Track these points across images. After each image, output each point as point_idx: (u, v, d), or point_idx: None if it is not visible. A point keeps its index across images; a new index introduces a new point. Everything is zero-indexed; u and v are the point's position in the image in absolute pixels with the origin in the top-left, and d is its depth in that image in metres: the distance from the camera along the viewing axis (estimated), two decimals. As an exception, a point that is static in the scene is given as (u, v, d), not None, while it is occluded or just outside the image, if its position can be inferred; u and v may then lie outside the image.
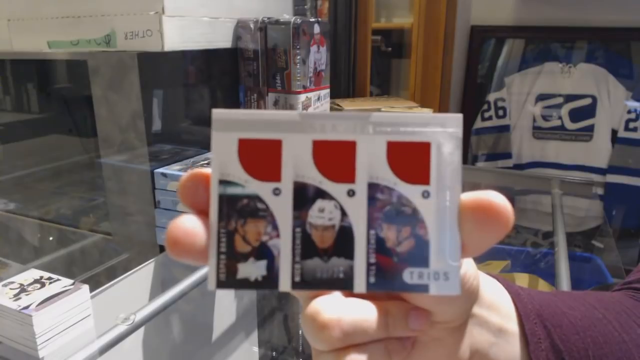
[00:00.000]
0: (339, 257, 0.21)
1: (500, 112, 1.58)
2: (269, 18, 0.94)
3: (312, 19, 0.98)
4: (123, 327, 0.61)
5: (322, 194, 0.21)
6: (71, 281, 0.62)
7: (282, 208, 0.21)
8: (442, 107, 1.50)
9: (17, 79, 1.09)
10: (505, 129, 1.58)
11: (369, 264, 0.21)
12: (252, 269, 0.21)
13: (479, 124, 1.60)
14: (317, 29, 0.98)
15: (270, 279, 0.21)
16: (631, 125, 1.45)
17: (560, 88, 1.52)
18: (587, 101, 1.50)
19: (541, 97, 1.55)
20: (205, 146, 0.91)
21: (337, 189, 0.21)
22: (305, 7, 1.24)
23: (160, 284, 0.81)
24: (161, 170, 0.80)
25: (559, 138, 1.55)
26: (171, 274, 0.82)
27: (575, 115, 1.52)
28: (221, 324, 0.97)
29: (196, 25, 0.85)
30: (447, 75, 1.49)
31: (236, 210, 0.21)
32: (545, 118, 1.55)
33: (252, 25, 0.95)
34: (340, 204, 0.21)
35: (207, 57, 0.91)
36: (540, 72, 1.53)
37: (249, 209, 0.21)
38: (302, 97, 0.97)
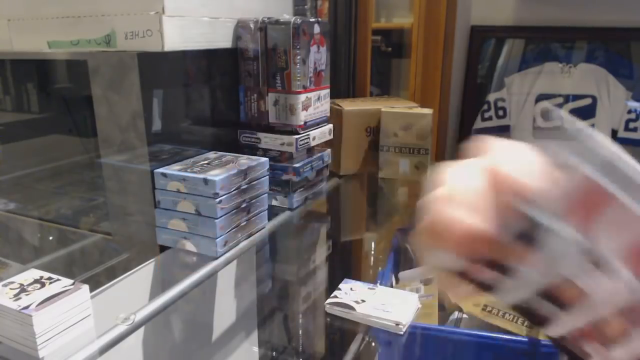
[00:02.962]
0: None
1: (500, 112, 1.57)
2: (269, 18, 0.94)
3: (312, 19, 0.98)
4: (123, 327, 0.61)
5: None
6: (71, 281, 0.62)
7: None
8: (442, 107, 1.50)
9: (17, 79, 1.09)
10: (505, 129, 1.58)
11: None
12: None
13: (479, 124, 1.60)
14: (317, 29, 0.98)
15: None
16: (631, 125, 1.45)
17: (560, 88, 1.52)
18: (587, 101, 1.50)
19: (541, 97, 1.55)
20: (205, 146, 0.91)
21: None
22: (305, 7, 1.24)
23: (160, 284, 0.81)
24: (161, 170, 0.80)
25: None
26: (171, 274, 0.83)
27: (576, 115, 1.52)
28: (221, 324, 0.97)
29: (196, 25, 0.85)
30: (447, 75, 1.49)
31: None
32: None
33: (252, 25, 0.95)
34: None
35: (207, 57, 0.91)
36: (540, 72, 1.53)
37: None
38: (302, 97, 0.97)
